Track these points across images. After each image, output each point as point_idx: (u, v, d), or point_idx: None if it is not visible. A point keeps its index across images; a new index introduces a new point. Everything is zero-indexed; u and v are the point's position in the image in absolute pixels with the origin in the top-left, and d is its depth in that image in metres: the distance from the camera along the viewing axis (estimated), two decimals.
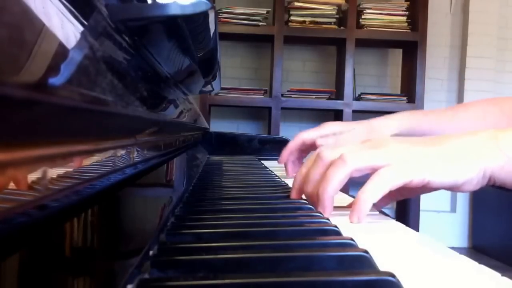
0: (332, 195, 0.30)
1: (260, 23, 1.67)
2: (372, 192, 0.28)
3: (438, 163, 0.28)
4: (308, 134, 0.52)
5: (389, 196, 0.34)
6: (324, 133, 0.51)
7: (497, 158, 0.28)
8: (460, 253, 0.22)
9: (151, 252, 0.18)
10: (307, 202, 0.32)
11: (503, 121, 0.48)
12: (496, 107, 0.49)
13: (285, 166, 0.54)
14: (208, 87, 0.57)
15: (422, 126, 0.50)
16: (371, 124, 0.52)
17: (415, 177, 0.28)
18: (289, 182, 0.44)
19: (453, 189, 0.29)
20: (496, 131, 0.29)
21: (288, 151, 0.53)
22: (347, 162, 0.29)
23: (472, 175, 0.28)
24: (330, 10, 1.69)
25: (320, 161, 0.31)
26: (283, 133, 1.66)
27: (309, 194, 0.32)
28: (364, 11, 1.70)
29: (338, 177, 0.29)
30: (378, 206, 0.34)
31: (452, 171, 0.28)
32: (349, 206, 0.33)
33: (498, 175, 0.28)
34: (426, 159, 0.28)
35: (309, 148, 0.53)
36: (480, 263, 0.20)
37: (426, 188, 0.29)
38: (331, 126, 0.52)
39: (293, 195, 0.34)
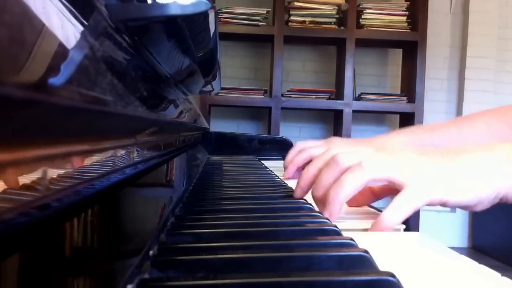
0: (343, 201, 0.29)
1: (260, 23, 1.67)
2: (396, 214, 0.27)
3: (455, 183, 0.28)
4: (317, 151, 0.49)
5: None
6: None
7: (510, 178, 0.28)
8: (460, 253, 0.22)
9: (151, 252, 0.18)
10: (306, 202, 0.32)
11: (509, 136, 0.47)
12: (500, 121, 0.48)
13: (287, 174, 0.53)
14: (208, 87, 0.56)
15: (426, 145, 0.49)
16: (375, 143, 0.51)
17: (434, 199, 0.28)
18: (289, 182, 0.44)
19: (466, 208, 0.29)
20: (511, 148, 0.29)
21: (295, 167, 0.50)
22: (366, 170, 0.28)
23: (485, 196, 0.28)
24: (330, 10, 1.69)
25: (336, 165, 0.30)
26: (283, 133, 1.66)
27: (319, 198, 0.31)
28: (364, 11, 1.70)
29: (354, 183, 0.28)
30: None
31: (467, 193, 0.28)
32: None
33: (511, 196, 0.28)
34: (443, 179, 0.28)
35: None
36: (480, 263, 0.20)
37: (440, 204, 0.29)
38: (338, 143, 0.51)
39: (298, 194, 0.33)
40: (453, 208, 0.29)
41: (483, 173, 0.28)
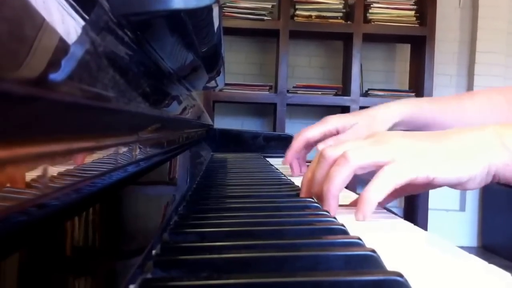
0: (336, 194, 0.29)
1: (265, 18, 1.66)
2: (377, 191, 0.27)
3: (443, 160, 0.28)
4: (312, 132, 0.51)
5: (393, 193, 0.34)
6: (327, 128, 0.50)
7: (502, 155, 0.27)
8: (470, 253, 0.21)
9: (153, 252, 0.18)
10: (313, 200, 0.32)
11: (509, 112, 0.46)
12: (501, 97, 0.48)
13: (290, 166, 0.53)
14: (212, 83, 0.56)
15: (425, 114, 0.49)
16: (372, 114, 0.50)
17: (419, 175, 0.27)
18: (295, 180, 0.44)
19: (457, 186, 0.28)
20: (501, 127, 0.29)
21: (293, 152, 0.51)
22: (350, 160, 0.29)
23: (476, 172, 0.27)
24: (337, 4, 1.67)
25: (324, 161, 0.31)
26: (288, 130, 1.65)
27: (316, 194, 0.32)
28: (371, 5, 1.68)
29: (341, 176, 0.29)
30: (382, 204, 0.34)
31: (456, 168, 0.27)
32: (353, 204, 0.33)
33: (503, 173, 0.28)
34: (430, 156, 0.28)
35: (313, 145, 0.52)
36: (490, 262, 0.20)
37: (430, 185, 0.29)
38: (333, 121, 0.51)
39: (302, 195, 0.34)
40: (441, 186, 0.29)
41: (472, 149, 0.28)
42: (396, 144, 0.29)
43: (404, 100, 0.52)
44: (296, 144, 0.51)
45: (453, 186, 0.28)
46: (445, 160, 0.28)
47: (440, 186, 0.28)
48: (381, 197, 0.27)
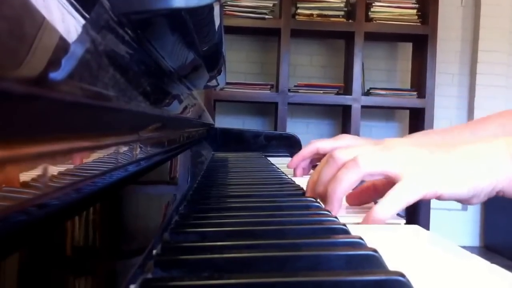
0: (340, 196, 0.29)
1: (267, 16, 1.66)
2: (389, 207, 0.27)
3: (450, 174, 0.28)
4: (323, 143, 0.51)
5: None
6: (339, 145, 0.50)
7: (508, 168, 0.28)
8: (472, 253, 0.21)
9: (154, 251, 0.18)
10: (314, 200, 0.31)
11: None
12: None
13: (294, 170, 0.54)
14: (213, 82, 0.56)
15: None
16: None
17: (429, 191, 0.28)
18: (296, 180, 0.44)
19: (463, 201, 0.29)
20: (510, 139, 0.29)
21: (301, 158, 0.52)
22: (360, 166, 0.29)
23: (482, 189, 0.28)
24: (338, 2, 1.66)
25: (333, 161, 0.31)
26: (289, 129, 1.65)
27: (320, 193, 0.32)
28: (373, 4, 1.67)
29: (349, 179, 0.29)
30: None
31: (463, 185, 0.28)
32: (351, 203, 0.33)
33: (508, 190, 0.28)
34: (439, 170, 0.28)
35: (321, 157, 0.52)
36: (492, 262, 0.19)
37: (436, 198, 0.29)
38: (346, 140, 0.51)
39: (308, 195, 0.34)
40: (448, 200, 0.29)
41: (480, 164, 0.28)
42: (407, 155, 0.29)
43: (416, 133, 0.52)
44: (305, 151, 0.52)
45: (458, 201, 0.29)
46: (453, 175, 0.28)
47: (445, 200, 0.29)
48: (391, 214, 0.28)
